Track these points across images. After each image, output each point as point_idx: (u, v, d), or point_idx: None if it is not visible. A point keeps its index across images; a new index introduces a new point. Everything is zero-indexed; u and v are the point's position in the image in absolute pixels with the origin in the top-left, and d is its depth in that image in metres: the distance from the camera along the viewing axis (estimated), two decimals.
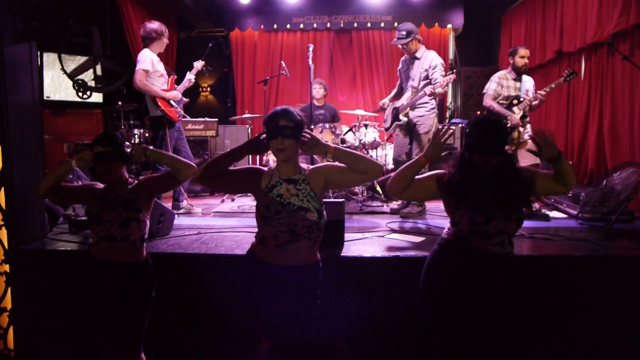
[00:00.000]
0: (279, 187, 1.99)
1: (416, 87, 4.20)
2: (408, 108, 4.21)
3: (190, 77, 4.48)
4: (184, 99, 4.52)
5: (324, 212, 2.01)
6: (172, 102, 4.28)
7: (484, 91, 4.39)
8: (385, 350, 2.79)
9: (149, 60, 4.10)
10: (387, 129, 4.57)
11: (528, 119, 4.27)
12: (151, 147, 2.36)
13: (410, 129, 4.26)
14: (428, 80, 4.14)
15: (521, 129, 4.24)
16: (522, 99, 4.23)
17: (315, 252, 2.07)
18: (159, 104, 4.17)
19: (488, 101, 4.32)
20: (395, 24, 7.50)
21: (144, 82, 4.08)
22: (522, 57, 4.27)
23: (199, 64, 4.61)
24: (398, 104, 4.37)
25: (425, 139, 4.13)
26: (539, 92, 4.21)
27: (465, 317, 1.98)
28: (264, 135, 2.00)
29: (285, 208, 1.94)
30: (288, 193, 1.98)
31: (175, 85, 4.40)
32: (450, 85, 8.00)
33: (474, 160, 1.99)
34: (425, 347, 2.25)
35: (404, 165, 2.13)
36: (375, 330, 2.76)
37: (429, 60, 4.15)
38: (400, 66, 4.47)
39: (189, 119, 5.72)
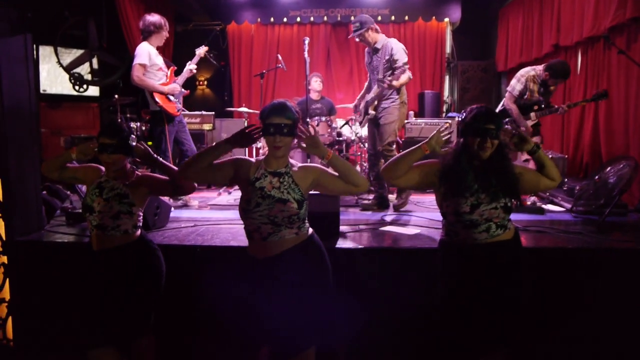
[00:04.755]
0: (263, 180, 2.01)
1: (381, 79, 4.08)
2: (375, 101, 4.14)
3: (192, 66, 4.39)
4: (184, 90, 4.45)
5: (305, 202, 2.02)
6: (170, 96, 4.24)
7: (508, 89, 4.22)
8: (384, 353, 2.82)
9: (145, 54, 4.07)
10: (360, 123, 4.56)
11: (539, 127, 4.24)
12: (157, 157, 2.38)
13: (376, 122, 4.17)
14: (392, 71, 4.02)
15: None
16: (542, 107, 4.13)
17: (303, 236, 2.05)
18: (157, 99, 4.13)
19: (509, 104, 4.16)
20: (393, 18, 7.49)
21: (141, 77, 4.05)
22: (556, 84, 4.15)
23: (201, 50, 4.52)
24: (368, 97, 4.27)
25: (388, 130, 4.02)
26: (563, 105, 4.10)
27: (471, 312, 2.01)
28: (253, 129, 2.00)
29: (265, 201, 1.96)
30: (270, 186, 1.99)
31: (175, 77, 4.36)
32: (447, 78, 8.03)
33: (469, 144, 2.02)
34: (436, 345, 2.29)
35: (403, 152, 2.14)
36: (373, 332, 2.77)
37: (389, 50, 4.00)
38: (366, 59, 4.34)
39: (186, 112, 5.69)
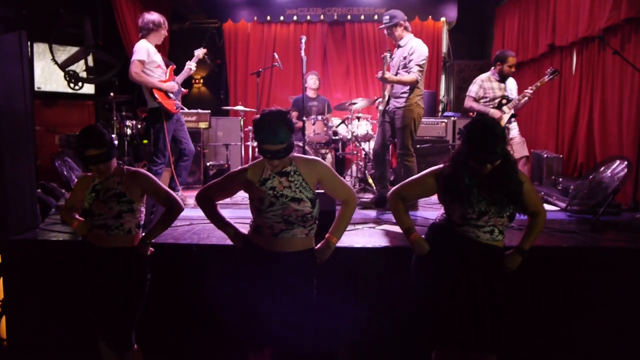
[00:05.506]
0: (272, 180, 2.01)
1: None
2: (386, 98, 4.14)
3: (191, 65, 4.38)
4: (183, 89, 4.44)
5: (317, 201, 2.03)
6: (169, 93, 4.23)
7: (467, 93, 4.54)
8: (384, 352, 2.82)
9: (144, 51, 4.05)
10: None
11: (514, 119, 4.44)
12: (147, 239, 2.29)
13: (392, 122, 4.12)
14: (406, 69, 4.00)
15: (508, 126, 4.36)
16: (510, 98, 4.36)
17: (311, 239, 2.09)
18: (156, 95, 4.11)
19: (468, 103, 4.50)
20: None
21: (139, 74, 4.03)
22: (511, 65, 4.41)
23: (200, 52, 4.52)
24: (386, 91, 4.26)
25: (404, 133, 3.98)
26: (526, 90, 4.26)
27: (455, 296, 2.03)
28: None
29: (279, 200, 1.97)
30: (281, 185, 1.99)
31: (174, 76, 4.35)
32: (443, 78, 8.05)
33: (468, 164, 1.99)
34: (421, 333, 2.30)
35: (398, 215, 2.22)
36: (373, 331, 2.78)
37: (409, 48, 4.01)
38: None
39: (186, 110, 5.67)
